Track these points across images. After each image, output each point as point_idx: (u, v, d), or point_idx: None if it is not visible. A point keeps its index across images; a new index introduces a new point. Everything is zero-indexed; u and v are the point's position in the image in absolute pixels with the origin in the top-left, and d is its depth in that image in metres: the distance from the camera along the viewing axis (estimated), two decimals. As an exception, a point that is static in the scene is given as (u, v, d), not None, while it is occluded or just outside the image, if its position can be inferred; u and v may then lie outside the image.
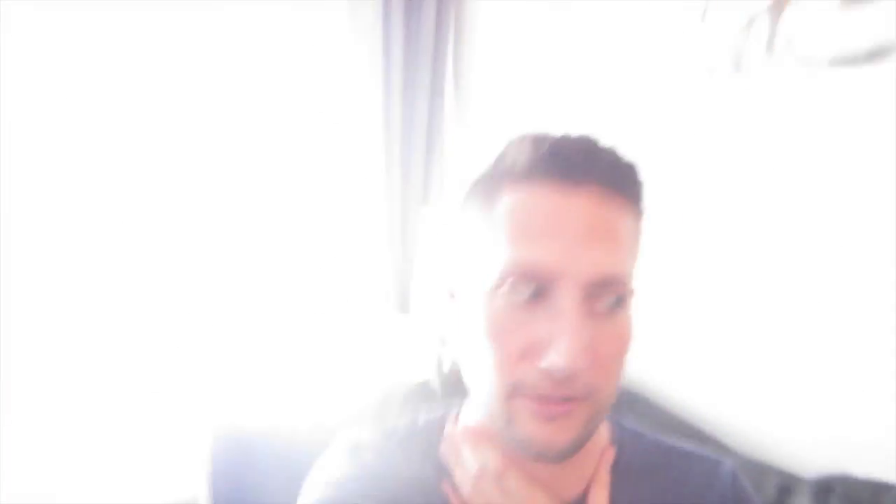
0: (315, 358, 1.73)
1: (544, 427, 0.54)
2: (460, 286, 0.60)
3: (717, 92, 1.17)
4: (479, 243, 0.57)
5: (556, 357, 0.51)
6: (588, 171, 0.54)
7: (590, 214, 0.53)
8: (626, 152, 0.57)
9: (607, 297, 0.53)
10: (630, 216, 0.56)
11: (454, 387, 0.84)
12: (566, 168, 0.54)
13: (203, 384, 1.58)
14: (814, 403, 1.03)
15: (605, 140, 0.57)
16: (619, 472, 0.65)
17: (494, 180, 0.57)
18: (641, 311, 0.59)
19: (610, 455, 0.64)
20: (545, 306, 0.53)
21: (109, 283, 1.52)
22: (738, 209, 1.15)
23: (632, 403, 1.17)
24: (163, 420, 1.53)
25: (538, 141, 0.56)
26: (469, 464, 0.61)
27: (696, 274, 1.22)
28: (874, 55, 0.94)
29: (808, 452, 1.02)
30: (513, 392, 0.55)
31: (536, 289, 0.53)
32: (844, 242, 1.01)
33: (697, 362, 1.20)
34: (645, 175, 0.57)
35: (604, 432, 0.67)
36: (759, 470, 0.97)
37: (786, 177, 1.08)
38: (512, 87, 1.65)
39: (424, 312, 1.66)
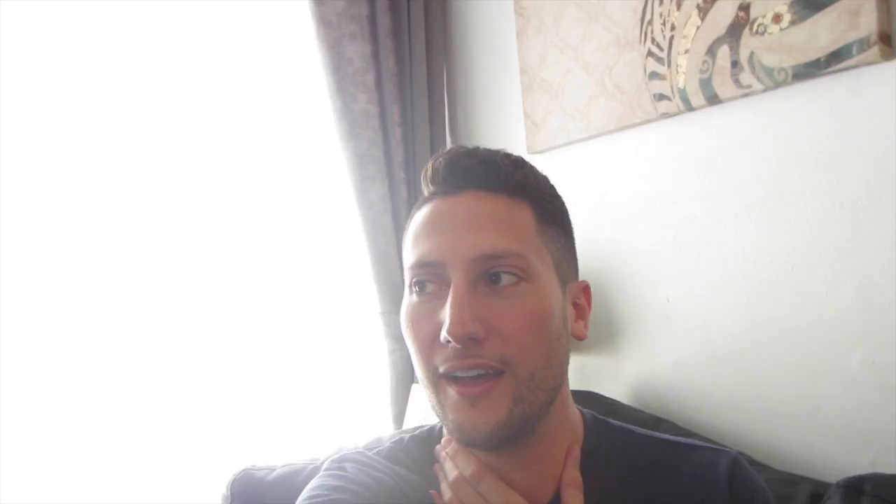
0: (342, 401, 1.76)
1: (469, 412, 0.59)
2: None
3: (694, 128, 1.22)
4: (405, 263, 0.67)
5: (445, 325, 0.58)
6: (464, 181, 0.64)
7: (469, 212, 0.62)
8: (512, 153, 0.67)
9: (499, 271, 0.60)
10: (514, 208, 0.64)
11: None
12: (445, 183, 0.65)
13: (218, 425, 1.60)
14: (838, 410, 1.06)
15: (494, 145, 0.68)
16: (602, 467, 0.68)
17: (411, 212, 0.69)
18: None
19: (574, 454, 0.67)
20: (444, 295, 0.60)
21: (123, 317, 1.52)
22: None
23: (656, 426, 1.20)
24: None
25: (426, 169, 0.67)
26: (449, 472, 0.66)
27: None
28: (833, 58, 0.98)
29: (839, 460, 1.06)
30: (435, 376, 0.61)
31: (435, 282, 0.62)
32: (833, 245, 1.05)
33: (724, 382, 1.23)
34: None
35: (571, 434, 0.69)
36: (791, 481, 1.00)
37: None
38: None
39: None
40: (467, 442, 0.61)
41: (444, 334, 0.58)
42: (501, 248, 0.60)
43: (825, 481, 1.00)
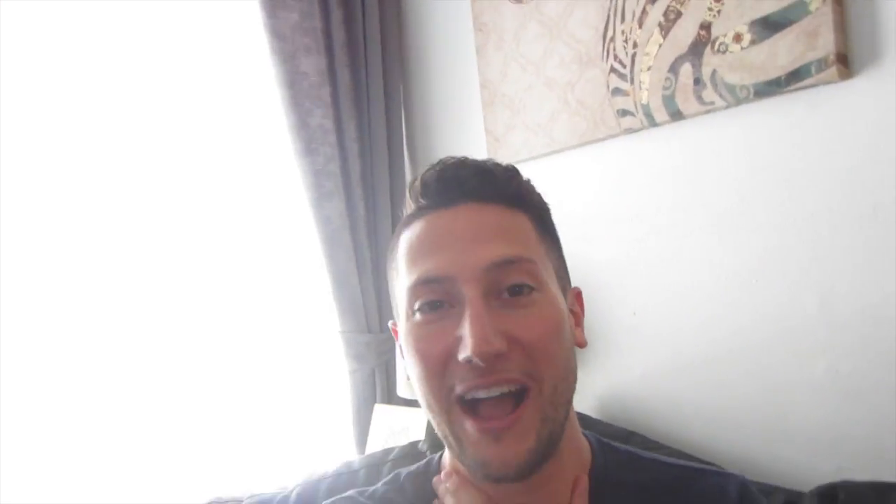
0: (302, 423, 1.70)
1: (494, 448, 0.55)
2: (399, 330, 0.64)
3: (658, 143, 1.24)
4: (396, 286, 0.63)
5: (466, 344, 0.54)
6: (458, 193, 0.61)
7: (468, 224, 0.59)
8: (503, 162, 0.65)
9: (511, 281, 0.57)
10: (514, 217, 0.62)
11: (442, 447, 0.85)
12: (438, 196, 0.61)
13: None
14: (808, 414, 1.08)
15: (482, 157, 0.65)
16: (610, 492, 0.65)
17: (397, 232, 0.65)
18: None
19: (582, 483, 0.64)
20: (455, 312, 0.57)
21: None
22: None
23: (627, 439, 1.20)
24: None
25: (412, 184, 0.64)
26: None
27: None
28: (793, 77, 1.01)
29: (805, 468, 1.08)
30: (449, 401, 0.57)
31: (443, 299, 0.58)
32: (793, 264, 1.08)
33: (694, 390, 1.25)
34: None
35: (578, 458, 0.67)
36: (765, 490, 1.01)
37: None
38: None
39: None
40: (495, 479, 0.57)
41: (465, 353, 0.54)
42: (509, 256, 0.58)
43: (794, 489, 1.01)
